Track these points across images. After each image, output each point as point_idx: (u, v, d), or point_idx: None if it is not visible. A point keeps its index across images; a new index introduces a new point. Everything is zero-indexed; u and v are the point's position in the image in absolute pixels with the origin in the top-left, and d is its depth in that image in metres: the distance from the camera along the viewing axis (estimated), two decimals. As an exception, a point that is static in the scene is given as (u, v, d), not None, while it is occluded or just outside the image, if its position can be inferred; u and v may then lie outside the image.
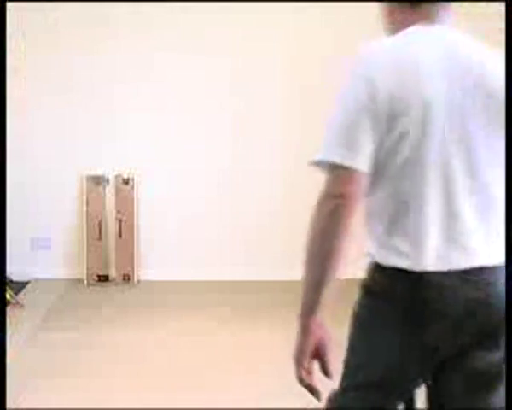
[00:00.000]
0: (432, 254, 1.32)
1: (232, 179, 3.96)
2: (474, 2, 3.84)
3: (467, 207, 1.34)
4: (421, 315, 1.34)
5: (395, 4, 1.47)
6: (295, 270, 4.43)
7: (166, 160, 4.01)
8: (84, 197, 4.06)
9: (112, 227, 4.12)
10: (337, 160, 1.28)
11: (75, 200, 4.10)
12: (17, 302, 3.69)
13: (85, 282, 4.09)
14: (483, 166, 1.36)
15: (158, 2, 3.79)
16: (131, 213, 4.10)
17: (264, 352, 3.14)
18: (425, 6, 1.43)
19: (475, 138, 1.35)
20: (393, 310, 1.37)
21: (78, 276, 4.12)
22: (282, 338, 3.31)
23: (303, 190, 4.16)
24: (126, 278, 4.12)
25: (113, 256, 4.15)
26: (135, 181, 4.07)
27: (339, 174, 1.29)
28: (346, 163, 1.28)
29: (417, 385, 1.44)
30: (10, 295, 3.67)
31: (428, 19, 1.43)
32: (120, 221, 4.11)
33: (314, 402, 1.48)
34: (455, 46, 1.42)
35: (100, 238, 4.12)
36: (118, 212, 4.10)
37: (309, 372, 1.38)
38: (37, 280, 4.10)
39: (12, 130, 3.79)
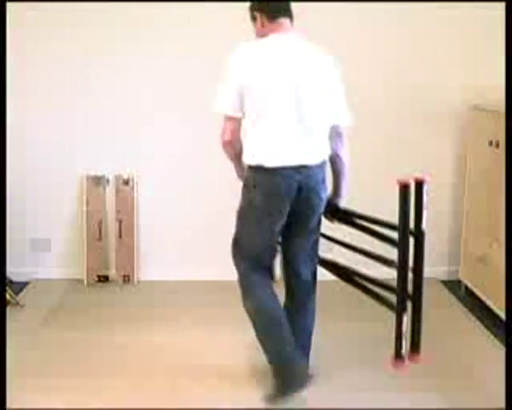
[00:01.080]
0: (280, 159, 2.46)
1: (233, 180, 3.94)
2: (475, 3, 3.84)
3: (297, 134, 2.47)
4: (276, 191, 2.49)
5: (262, 18, 2.53)
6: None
7: (166, 160, 4.01)
8: (84, 197, 4.06)
9: (112, 227, 4.12)
10: (229, 113, 2.48)
11: (75, 200, 4.10)
12: (17, 303, 3.69)
13: (85, 282, 4.09)
14: (307, 112, 2.47)
15: (158, 3, 3.79)
16: (131, 214, 4.10)
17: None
18: (278, 21, 2.53)
19: (305, 98, 2.46)
20: (263, 189, 2.50)
21: (78, 276, 4.12)
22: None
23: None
24: (126, 279, 4.12)
25: (113, 256, 4.15)
26: (135, 181, 4.07)
27: (230, 120, 2.49)
28: (233, 115, 2.48)
29: (280, 230, 2.61)
30: (10, 296, 3.67)
31: (282, 29, 2.53)
32: (120, 221, 4.11)
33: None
34: (296, 46, 2.52)
35: (100, 238, 4.12)
36: (118, 212, 4.10)
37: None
38: (37, 280, 4.10)
39: (12, 130, 3.79)
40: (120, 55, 3.88)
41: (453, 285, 4.11)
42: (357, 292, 2.71)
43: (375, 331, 3.30)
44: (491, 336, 3.35)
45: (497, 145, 3.47)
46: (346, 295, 3.21)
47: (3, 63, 3.51)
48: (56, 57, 3.87)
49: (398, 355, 2.40)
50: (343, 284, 2.79)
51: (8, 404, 2.40)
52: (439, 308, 3.77)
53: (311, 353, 2.81)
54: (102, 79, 3.91)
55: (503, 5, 3.34)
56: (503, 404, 2.23)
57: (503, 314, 3.34)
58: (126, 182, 4.07)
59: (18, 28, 3.75)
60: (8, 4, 3.38)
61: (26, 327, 3.40)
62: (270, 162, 2.45)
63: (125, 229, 4.11)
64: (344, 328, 3.41)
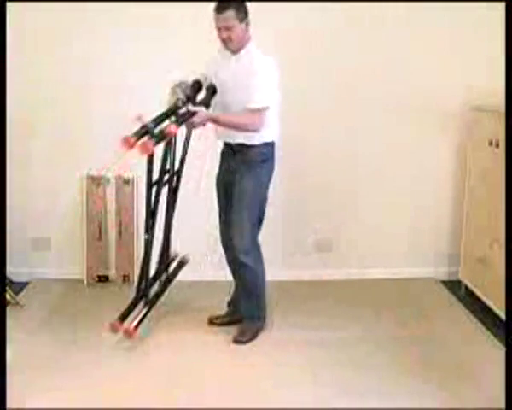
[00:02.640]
0: (277, 135, 3.25)
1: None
2: (475, 3, 3.84)
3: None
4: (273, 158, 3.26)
5: (245, 28, 3.04)
6: (292, 270, 4.41)
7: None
8: (84, 197, 4.06)
9: (112, 227, 4.12)
10: (268, 105, 3.07)
11: (75, 200, 4.10)
12: (17, 302, 3.69)
13: (85, 282, 4.09)
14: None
15: (159, 3, 3.79)
16: (131, 214, 4.10)
17: (264, 354, 3.14)
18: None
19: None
20: (270, 160, 3.23)
21: (78, 276, 4.12)
22: (282, 338, 3.31)
23: (306, 193, 4.16)
24: (126, 279, 4.12)
25: (113, 256, 4.15)
26: (135, 181, 4.07)
27: (266, 110, 3.06)
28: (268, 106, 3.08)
29: None
30: (10, 296, 3.67)
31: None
32: (120, 221, 4.11)
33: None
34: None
35: (100, 238, 4.12)
36: (118, 212, 4.10)
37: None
38: (37, 280, 4.10)
39: (12, 130, 3.79)
40: (121, 55, 3.88)
41: (453, 285, 4.11)
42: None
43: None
44: (491, 336, 3.35)
45: (497, 145, 3.47)
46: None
47: (3, 63, 3.51)
48: (57, 57, 3.87)
49: (121, 320, 3.20)
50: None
51: (9, 404, 2.40)
52: (439, 308, 3.77)
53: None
54: (103, 79, 3.90)
55: (502, 5, 3.34)
56: (503, 404, 2.23)
57: (503, 314, 3.34)
58: (127, 182, 4.07)
59: (18, 28, 3.75)
60: (8, 4, 3.38)
61: (26, 327, 3.40)
62: (276, 138, 3.24)
63: (125, 229, 4.11)
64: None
